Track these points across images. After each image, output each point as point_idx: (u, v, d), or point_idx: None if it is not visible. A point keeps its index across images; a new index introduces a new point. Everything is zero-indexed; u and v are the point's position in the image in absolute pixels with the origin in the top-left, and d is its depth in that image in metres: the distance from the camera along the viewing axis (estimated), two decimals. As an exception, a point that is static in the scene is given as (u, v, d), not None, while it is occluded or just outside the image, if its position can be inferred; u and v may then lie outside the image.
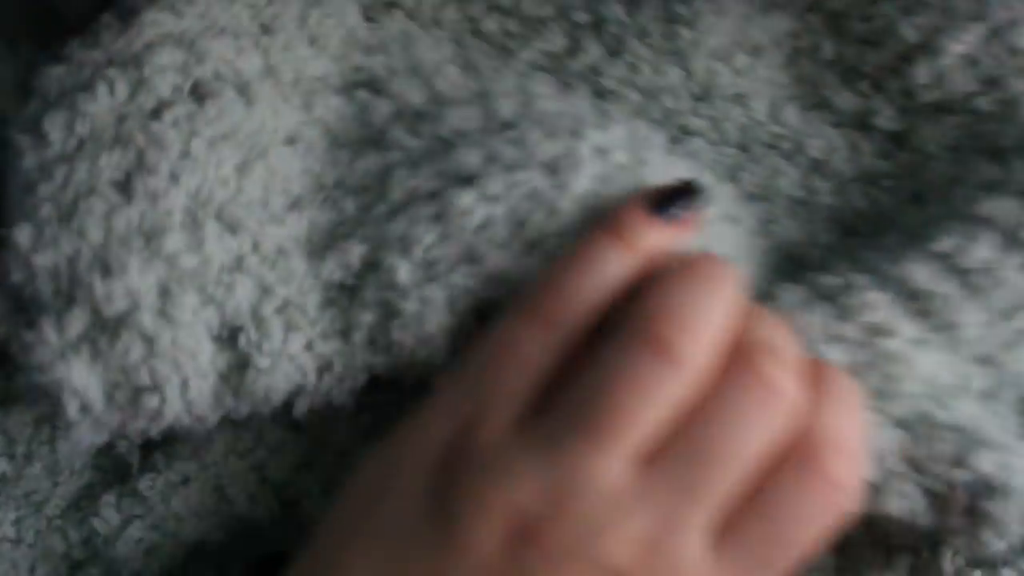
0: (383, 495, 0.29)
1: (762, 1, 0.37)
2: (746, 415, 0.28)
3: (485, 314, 0.31)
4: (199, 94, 0.32)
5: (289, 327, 0.31)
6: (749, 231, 0.36)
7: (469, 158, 0.32)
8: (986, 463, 0.29)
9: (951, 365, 0.31)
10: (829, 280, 0.32)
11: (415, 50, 0.36)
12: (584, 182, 0.31)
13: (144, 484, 0.36)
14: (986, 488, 0.29)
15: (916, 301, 0.31)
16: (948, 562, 0.30)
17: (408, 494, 0.28)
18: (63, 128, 0.31)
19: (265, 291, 0.31)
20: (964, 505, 0.29)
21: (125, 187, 0.30)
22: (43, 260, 0.30)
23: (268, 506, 0.36)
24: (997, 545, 0.29)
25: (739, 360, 0.28)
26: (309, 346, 0.31)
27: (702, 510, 0.27)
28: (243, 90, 0.33)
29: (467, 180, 0.31)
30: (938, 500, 0.29)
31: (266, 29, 0.34)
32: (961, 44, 0.35)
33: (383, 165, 0.33)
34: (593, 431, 0.27)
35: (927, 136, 0.36)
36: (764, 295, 0.32)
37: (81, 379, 0.30)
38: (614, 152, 0.32)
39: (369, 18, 0.37)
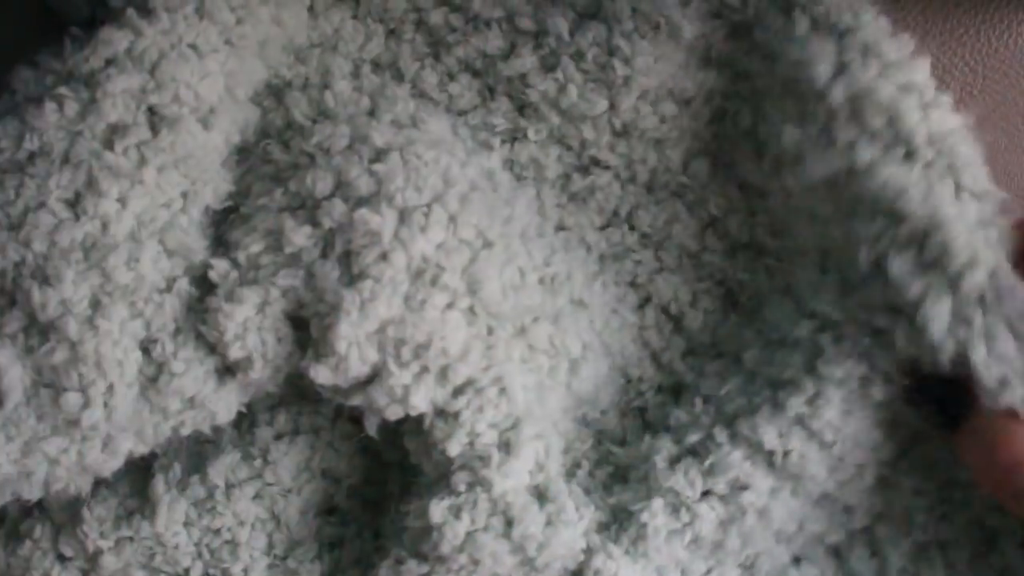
0: None
1: (702, 55, 0.37)
2: None
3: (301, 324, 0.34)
4: (155, 120, 0.33)
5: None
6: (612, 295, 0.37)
7: (319, 183, 0.34)
8: None
9: (791, 511, 0.35)
10: (693, 436, 0.35)
11: (331, 57, 0.38)
12: (425, 245, 0.33)
13: None
14: None
15: (771, 457, 0.34)
16: None
17: None
18: (14, 139, 0.32)
19: (191, 311, 0.34)
20: None
21: (74, 205, 0.32)
22: None
23: None
24: None
25: None
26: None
27: None
28: (203, 116, 0.34)
29: (312, 206, 0.34)
30: None
31: (231, 46, 0.35)
32: None
33: (250, 178, 0.35)
34: None
35: (799, 232, 0.37)
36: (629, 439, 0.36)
37: (9, 360, 0.32)
38: (461, 226, 0.34)
39: (312, 9, 0.38)
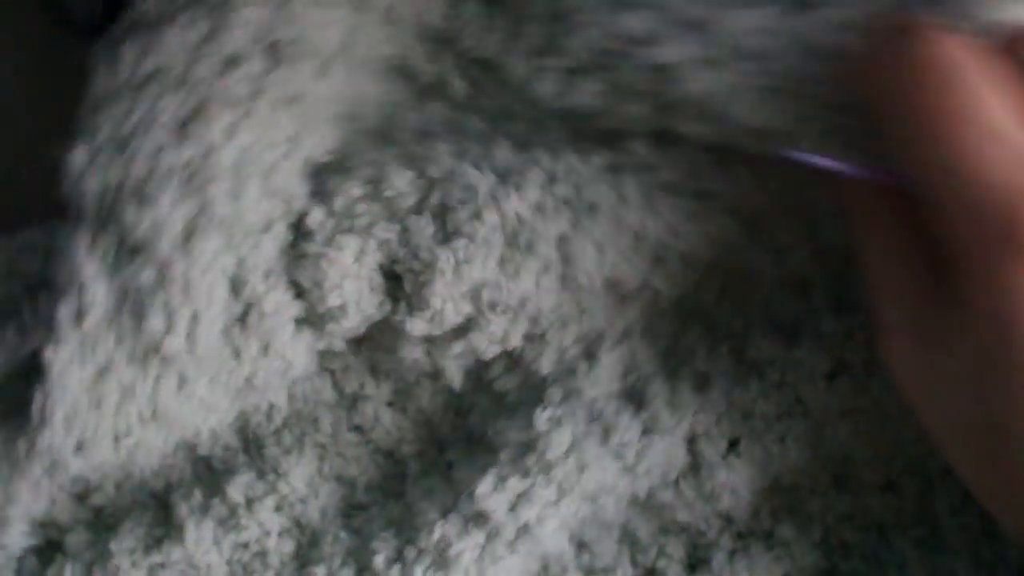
0: None
1: None
2: None
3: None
4: (273, 56, 0.33)
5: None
6: None
7: (439, 152, 0.34)
8: None
9: None
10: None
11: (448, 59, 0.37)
12: (519, 204, 0.33)
13: None
14: None
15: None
16: None
17: None
18: (135, 57, 0.32)
19: (282, 254, 0.33)
20: None
21: (181, 130, 0.32)
22: (92, 183, 0.32)
23: None
24: None
25: None
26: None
27: None
28: (320, 64, 0.34)
29: (420, 156, 0.33)
30: None
31: (357, 6, 0.35)
32: None
33: (358, 141, 0.35)
34: None
35: None
36: None
37: (94, 275, 0.31)
38: (559, 183, 0.33)
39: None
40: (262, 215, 0.33)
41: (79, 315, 0.31)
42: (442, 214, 0.33)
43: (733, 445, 0.36)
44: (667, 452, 0.35)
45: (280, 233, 0.33)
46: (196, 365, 0.32)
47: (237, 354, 0.33)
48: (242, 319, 0.33)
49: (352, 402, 0.38)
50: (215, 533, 0.36)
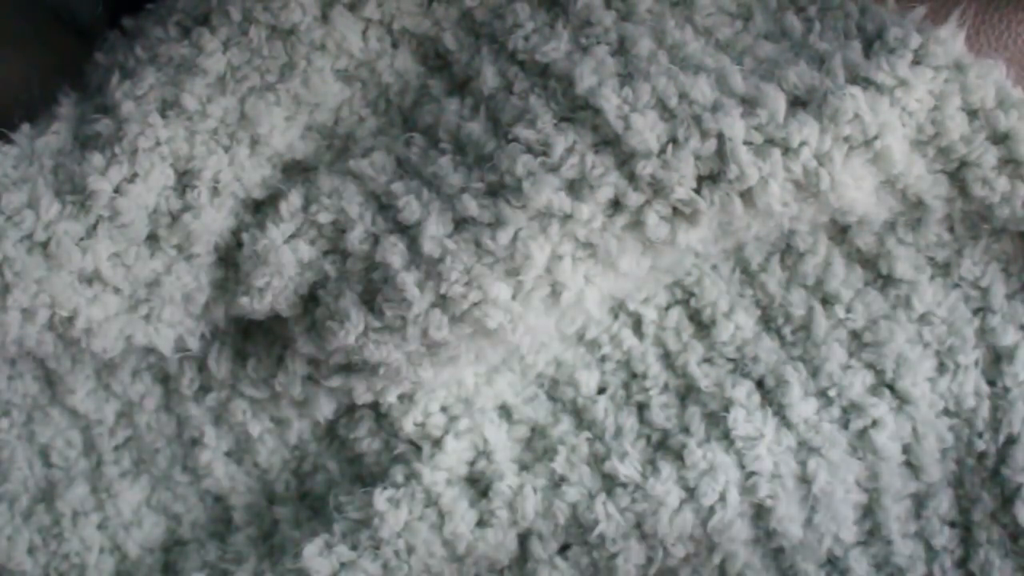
0: None
1: None
2: None
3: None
4: None
5: None
6: None
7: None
8: None
9: None
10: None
11: None
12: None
13: None
14: None
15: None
16: None
17: None
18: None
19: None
20: None
21: None
22: None
23: None
24: None
25: None
26: None
27: None
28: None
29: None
30: None
31: None
32: None
33: None
34: None
35: None
36: None
37: None
38: None
39: None
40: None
41: None
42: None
43: (563, 549, 0.38)
44: (499, 544, 0.37)
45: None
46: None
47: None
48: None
49: (191, 445, 0.41)
50: (32, 541, 0.39)
